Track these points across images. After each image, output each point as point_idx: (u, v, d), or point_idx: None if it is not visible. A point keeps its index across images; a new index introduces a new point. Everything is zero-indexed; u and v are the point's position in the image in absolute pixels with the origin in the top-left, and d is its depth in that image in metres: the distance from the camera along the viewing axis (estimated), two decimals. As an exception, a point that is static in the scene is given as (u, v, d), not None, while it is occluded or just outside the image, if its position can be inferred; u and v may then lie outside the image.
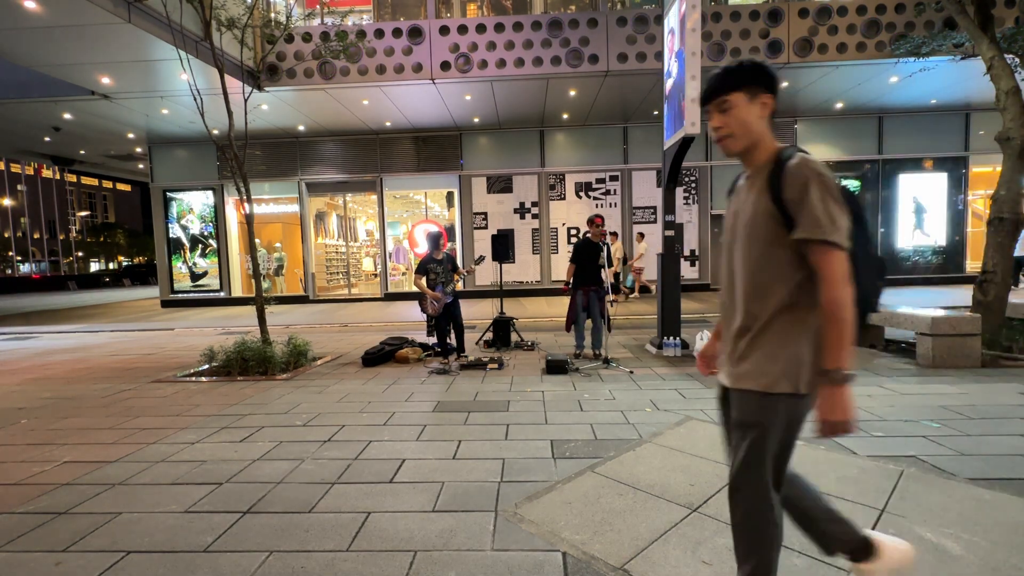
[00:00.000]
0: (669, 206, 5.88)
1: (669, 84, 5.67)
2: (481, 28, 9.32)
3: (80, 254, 54.65)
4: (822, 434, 1.28)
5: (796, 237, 1.27)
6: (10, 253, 48.58)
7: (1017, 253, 8.97)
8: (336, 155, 13.20)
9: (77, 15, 6.57)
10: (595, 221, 5.48)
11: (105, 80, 8.79)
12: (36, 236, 52.90)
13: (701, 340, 5.47)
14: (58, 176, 54.48)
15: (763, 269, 1.35)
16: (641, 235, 12.31)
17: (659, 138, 5.73)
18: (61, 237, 54.93)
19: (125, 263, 50.36)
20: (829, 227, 1.23)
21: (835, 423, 1.26)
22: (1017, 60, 5.75)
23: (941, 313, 4.85)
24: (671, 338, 5.70)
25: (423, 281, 5.56)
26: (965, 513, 2.18)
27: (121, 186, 62.97)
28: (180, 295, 13.67)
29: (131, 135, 12.27)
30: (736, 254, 1.43)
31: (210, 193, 13.38)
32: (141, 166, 15.92)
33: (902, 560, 1.49)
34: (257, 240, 6.39)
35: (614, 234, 12.22)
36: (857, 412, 1.30)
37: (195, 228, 13.52)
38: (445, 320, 5.72)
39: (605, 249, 5.40)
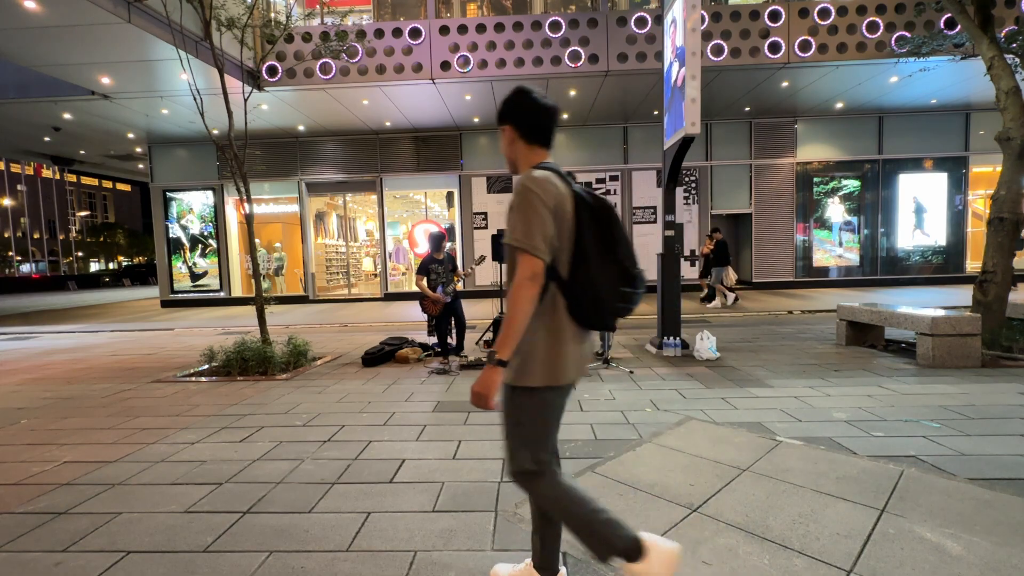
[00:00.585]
0: (669, 206, 5.88)
1: (671, 80, 5.67)
2: (481, 28, 9.32)
3: (80, 254, 54.62)
4: (471, 400, 1.44)
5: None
6: (10, 253, 48.56)
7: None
8: (336, 155, 13.20)
9: (77, 15, 6.57)
10: None
11: (105, 80, 8.79)
12: (36, 236, 52.88)
13: (701, 340, 5.47)
14: (58, 176, 54.46)
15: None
16: None
17: (659, 138, 5.72)
18: (61, 237, 54.92)
19: (125, 263, 50.33)
20: (518, 234, 1.41)
21: (477, 394, 1.42)
22: (1017, 60, 5.75)
23: (941, 313, 4.85)
24: (671, 338, 5.70)
25: (424, 281, 5.57)
26: (965, 513, 2.18)
27: (121, 186, 62.93)
28: (180, 295, 13.66)
29: (131, 135, 12.27)
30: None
31: (210, 193, 13.38)
32: (141, 166, 15.92)
33: (670, 559, 1.49)
34: (257, 240, 6.40)
35: None
36: (496, 395, 1.43)
37: (195, 228, 13.52)
38: (445, 320, 5.72)
39: None
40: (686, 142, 5.24)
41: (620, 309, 1.50)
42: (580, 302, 1.46)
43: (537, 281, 1.40)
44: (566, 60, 9.27)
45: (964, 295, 9.29)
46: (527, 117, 1.58)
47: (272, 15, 9.47)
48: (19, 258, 50.06)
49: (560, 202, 1.44)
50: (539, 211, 1.41)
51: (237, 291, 13.74)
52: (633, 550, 1.47)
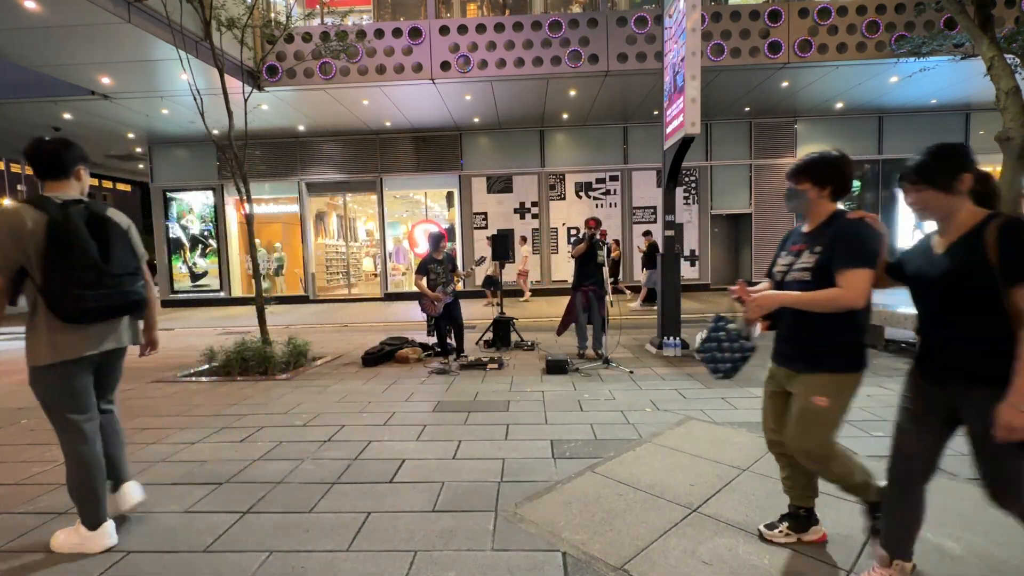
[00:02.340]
0: (669, 206, 5.88)
1: (668, 83, 5.67)
2: (481, 28, 9.32)
3: (80, 254, 54.63)
4: None
5: None
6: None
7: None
8: (336, 155, 13.20)
9: (77, 15, 6.56)
10: (589, 224, 5.54)
11: (105, 80, 8.79)
12: (36, 236, 52.91)
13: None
14: (58, 176, 54.45)
15: None
16: (523, 239, 12.43)
17: (659, 138, 5.73)
18: (61, 237, 54.97)
19: (125, 263, 50.26)
20: None
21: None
22: (1017, 60, 5.75)
23: (941, 313, 4.83)
24: (671, 338, 5.70)
25: (423, 281, 5.57)
26: (965, 513, 2.18)
27: (121, 186, 62.76)
28: (180, 295, 13.66)
29: (131, 135, 12.27)
30: None
31: (210, 193, 13.38)
32: (141, 166, 15.91)
33: (98, 540, 2.06)
34: (257, 240, 6.39)
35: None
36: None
37: (195, 228, 13.51)
38: (445, 320, 5.73)
39: (605, 249, 5.43)
40: (686, 142, 5.24)
41: (81, 308, 1.92)
42: (49, 302, 1.90)
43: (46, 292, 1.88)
44: (566, 60, 9.27)
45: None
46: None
47: (272, 15, 9.47)
48: (19, 258, 50.04)
49: (18, 228, 1.85)
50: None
51: (237, 291, 13.73)
52: (94, 522, 2.04)
